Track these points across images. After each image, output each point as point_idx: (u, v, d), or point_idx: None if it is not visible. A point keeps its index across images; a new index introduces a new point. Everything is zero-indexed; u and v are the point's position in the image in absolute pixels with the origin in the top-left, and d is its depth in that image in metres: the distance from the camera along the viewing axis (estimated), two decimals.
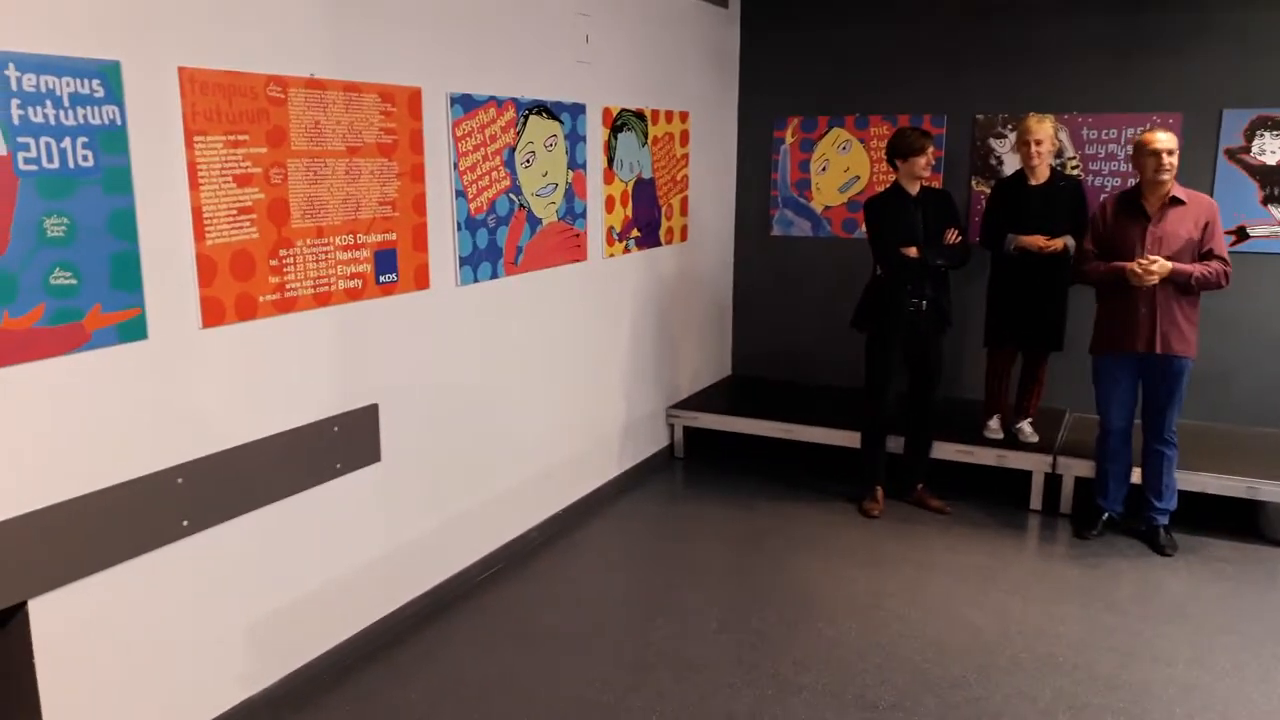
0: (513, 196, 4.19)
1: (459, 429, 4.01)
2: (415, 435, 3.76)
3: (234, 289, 2.95)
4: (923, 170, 4.64)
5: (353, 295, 3.40)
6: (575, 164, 4.64)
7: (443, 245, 3.81)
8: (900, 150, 4.66)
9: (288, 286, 3.13)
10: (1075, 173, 5.47)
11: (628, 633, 3.82)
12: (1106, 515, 4.67)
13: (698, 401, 5.91)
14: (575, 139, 4.61)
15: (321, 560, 3.42)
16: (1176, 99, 5.30)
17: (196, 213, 2.80)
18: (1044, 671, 3.52)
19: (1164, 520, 4.55)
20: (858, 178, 6.09)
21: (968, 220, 5.48)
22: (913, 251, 4.62)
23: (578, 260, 4.73)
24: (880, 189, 5.31)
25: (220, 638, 3.06)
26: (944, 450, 5.08)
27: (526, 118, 4.23)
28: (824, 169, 6.17)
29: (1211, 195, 4.93)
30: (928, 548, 4.59)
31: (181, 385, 2.82)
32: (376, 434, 3.57)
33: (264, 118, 2.98)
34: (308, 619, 3.39)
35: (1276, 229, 5.22)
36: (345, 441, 3.43)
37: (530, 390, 4.46)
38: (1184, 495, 4.61)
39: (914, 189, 4.70)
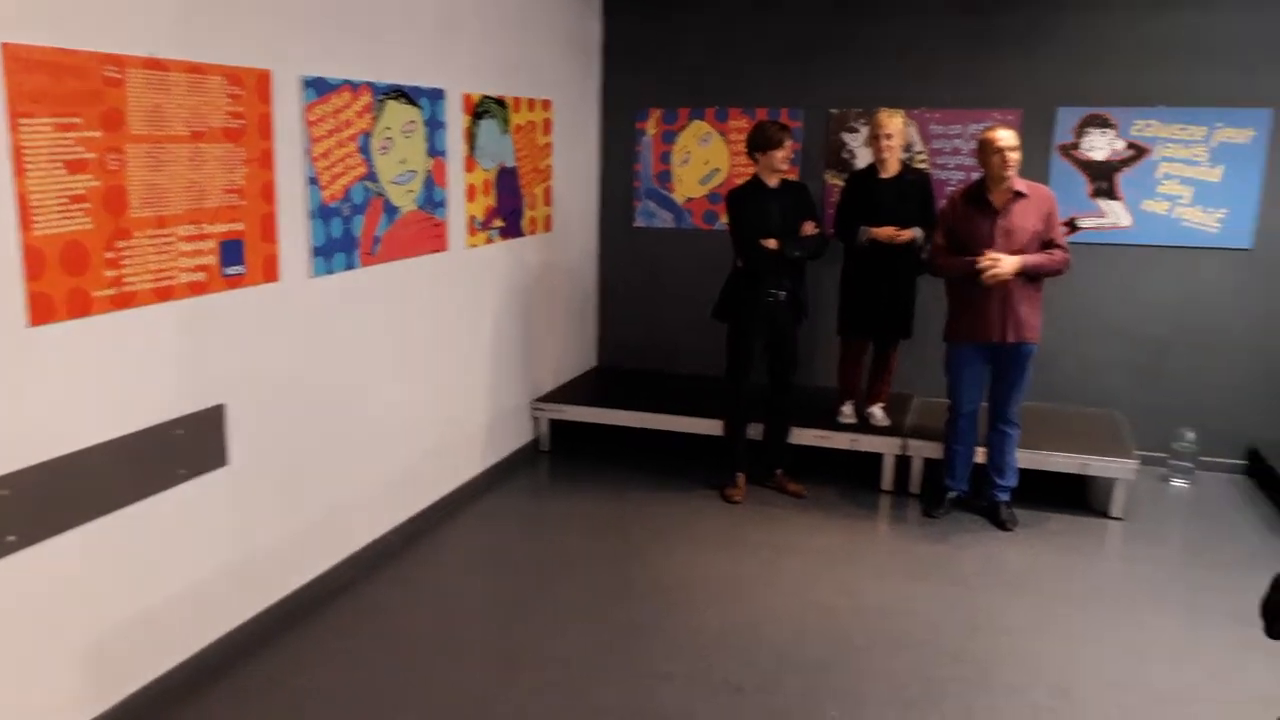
0: (369, 184, 4.06)
1: (313, 428, 3.85)
2: (265, 436, 3.60)
3: (65, 283, 2.74)
4: (781, 163, 4.75)
5: (196, 289, 3.22)
6: (435, 151, 4.53)
7: (294, 235, 3.64)
8: (759, 143, 4.75)
9: (125, 280, 2.93)
10: (923, 166, 5.71)
11: (495, 631, 3.78)
12: (953, 494, 4.92)
13: (563, 394, 5.89)
14: (435, 125, 4.50)
15: (165, 572, 3.23)
16: (1016, 97, 5.60)
17: (22, 201, 2.59)
18: (897, 647, 3.68)
19: (1005, 497, 4.82)
20: (717, 170, 6.18)
21: (822, 212, 5.65)
22: (772, 243, 4.72)
23: (438, 250, 4.62)
24: (740, 182, 5.40)
25: (54, 659, 2.85)
26: (801, 436, 5.24)
27: (383, 103, 4.09)
28: (685, 161, 6.24)
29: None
30: (787, 531, 4.72)
31: (6, 389, 2.60)
32: (223, 436, 3.39)
33: (98, 99, 2.78)
34: (151, 635, 3.19)
35: (1102, 220, 5.59)
36: (189, 445, 3.24)
37: (388, 386, 4.33)
38: (1023, 473, 4.89)
39: (773, 181, 4.80)
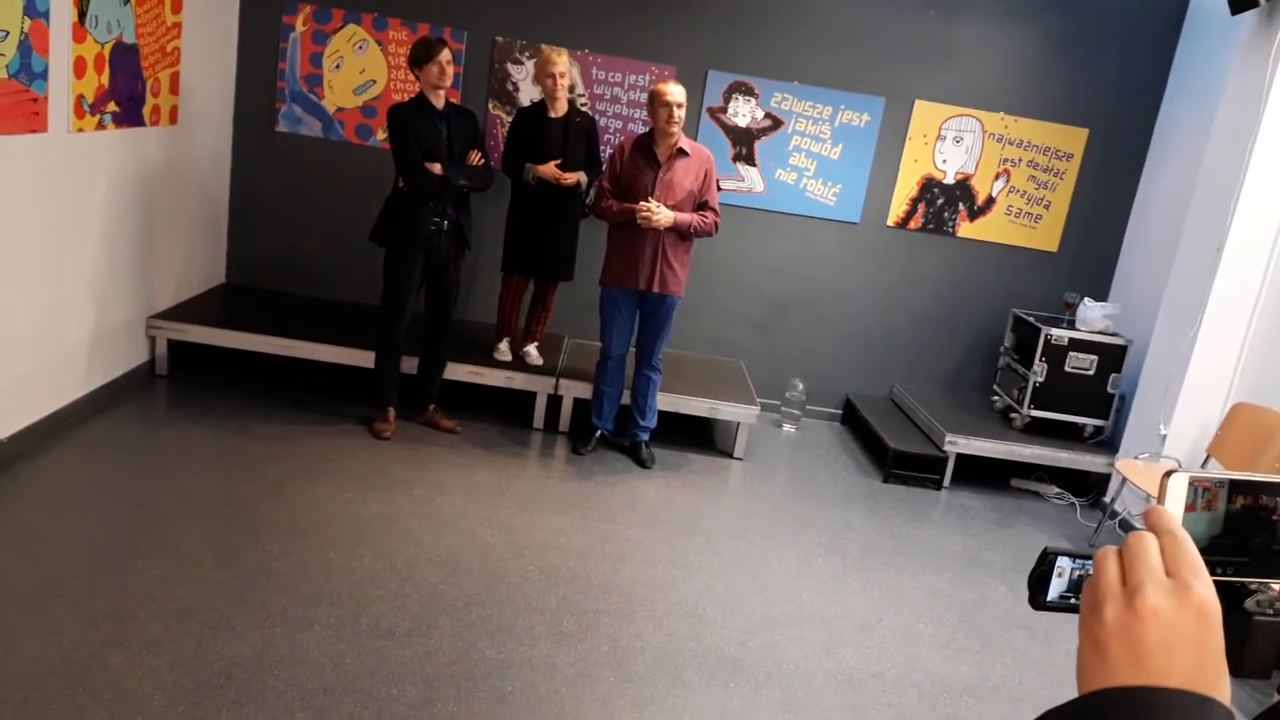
0: None
1: None
2: None
3: None
4: (437, 79, 4.47)
5: None
6: (35, 10, 3.74)
7: None
8: (417, 56, 4.49)
9: None
10: (584, 108, 5.74)
11: (102, 580, 3.27)
12: (599, 433, 5.08)
13: (185, 311, 5.21)
14: None
15: None
16: (672, 52, 5.79)
17: None
18: (549, 582, 3.73)
19: (645, 437, 5.07)
20: (374, 81, 5.76)
21: (486, 143, 5.49)
22: (437, 168, 4.50)
23: (35, 130, 3.84)
24: (398, 98, 5.08)
25: None
26: (456, 370, 5.10)
27: None
28: (338, 66, 5.73)
29: None
30: (440, 468, 4.59)
31: None
32: None
33: None
34: None
35: (740, 184, 6.01)
36: None
37: None
38: (661, 414, 5.17)
39: (439, 102, 4.56)
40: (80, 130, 4.16)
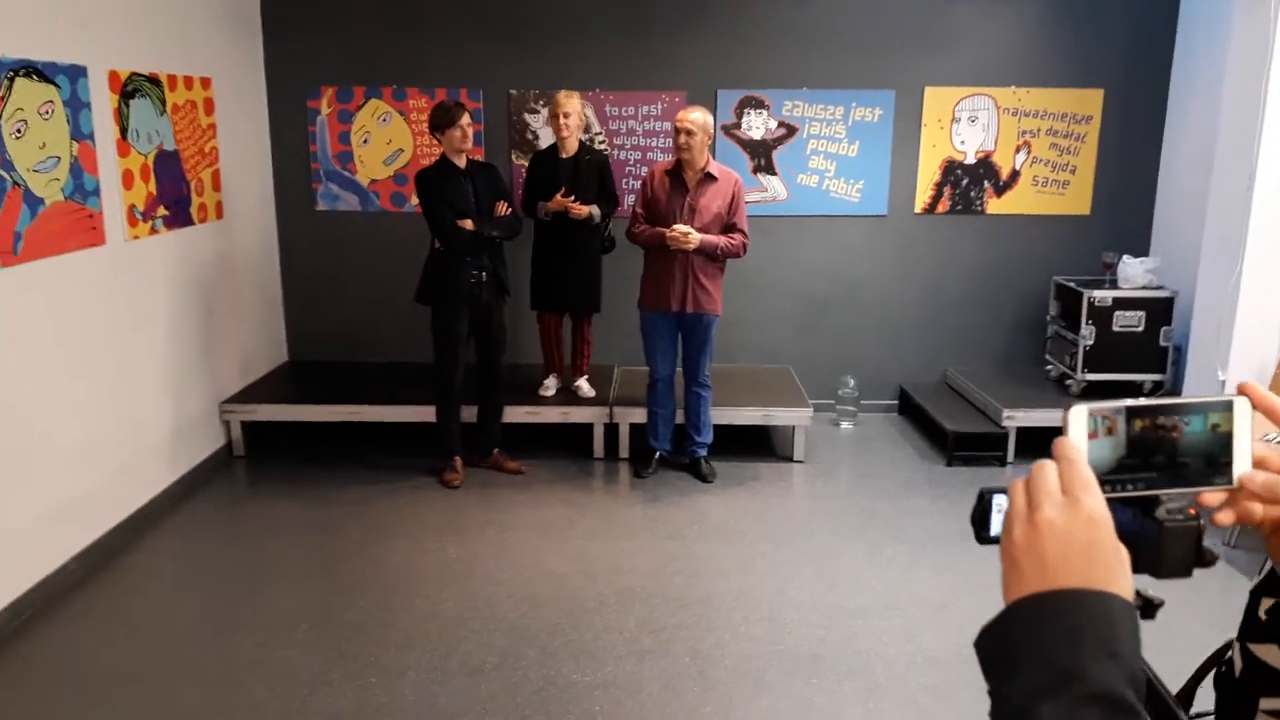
0: (2, 174, 3.53)
1: None
2: None
3: None
4: (459, 142, 4.70)
5: None
6: (80, 134, 4.03)
7: None
8: (438, 122, 4.71)
9: None
10: (602, 147, 5.91)
11: (207, 653, 3.48)
12: (658, 454, 5.20)
13: (254, 393, 5.49)
14: (78, 105, 4.00)
15: None
16: (679, 78, 5.94)
17: None
18: (625, 603, 3.85)
19: (704, 452, 5.18)
20: (401, 150, 6.02)
21: (512, 192, 5.69)
22: (468, 224, 4.70)
23: (95, 244, 4.13)
24: (426, 162, 5.31)
25: None
26: (514, 413, 5.28)
27: (12, 80, 3.57)
28: (365, 141, 6.01)
29: None
30: (510, 508, 4.76)
31: None
32: None
33: None
34: None
35: (764, 193, 6.12)
36: None
37: (50, 400, 3.82)
38: (716, 428, 5.26)
39: (461, 161, 4.77)
40: (136, 238, 4.45)
